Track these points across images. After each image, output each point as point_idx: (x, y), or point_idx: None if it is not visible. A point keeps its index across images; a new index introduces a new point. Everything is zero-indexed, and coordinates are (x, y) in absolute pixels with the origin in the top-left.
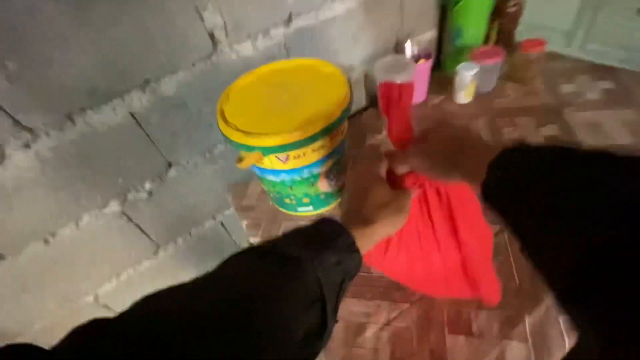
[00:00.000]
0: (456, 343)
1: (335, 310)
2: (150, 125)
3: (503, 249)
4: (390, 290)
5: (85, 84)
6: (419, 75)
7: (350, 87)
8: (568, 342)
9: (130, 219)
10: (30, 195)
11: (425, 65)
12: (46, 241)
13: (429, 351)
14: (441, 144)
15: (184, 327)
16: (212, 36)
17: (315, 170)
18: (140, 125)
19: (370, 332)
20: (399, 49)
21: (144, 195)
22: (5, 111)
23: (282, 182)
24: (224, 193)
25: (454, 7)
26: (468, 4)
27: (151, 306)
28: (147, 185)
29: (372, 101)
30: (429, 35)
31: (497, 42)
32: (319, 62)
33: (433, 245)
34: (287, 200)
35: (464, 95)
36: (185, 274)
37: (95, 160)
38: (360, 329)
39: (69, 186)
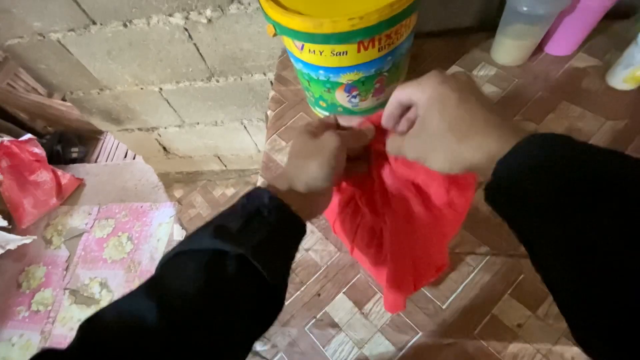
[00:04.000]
0: (343, 304)
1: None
2: None
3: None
4: (331, 231)
5: None
6: (579, 15)
7: None
8: None
9: (190, 37)
10: None
11: (595, 3)
12: (125, 24)
13: (316, 293)
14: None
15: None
16: None
17: (333, 77)
18: None
19: None
20: None
21: (204, 20)
22: None
23: (301, 73)
24: (277, 54)
25: None
26: None
27: (92, 337)
28: (208, 12)
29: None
30: None
31: None
32: None
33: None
34: (307, 94)
35: (622, 78)
36: (228, 111)
37: None
38: None
39: None
